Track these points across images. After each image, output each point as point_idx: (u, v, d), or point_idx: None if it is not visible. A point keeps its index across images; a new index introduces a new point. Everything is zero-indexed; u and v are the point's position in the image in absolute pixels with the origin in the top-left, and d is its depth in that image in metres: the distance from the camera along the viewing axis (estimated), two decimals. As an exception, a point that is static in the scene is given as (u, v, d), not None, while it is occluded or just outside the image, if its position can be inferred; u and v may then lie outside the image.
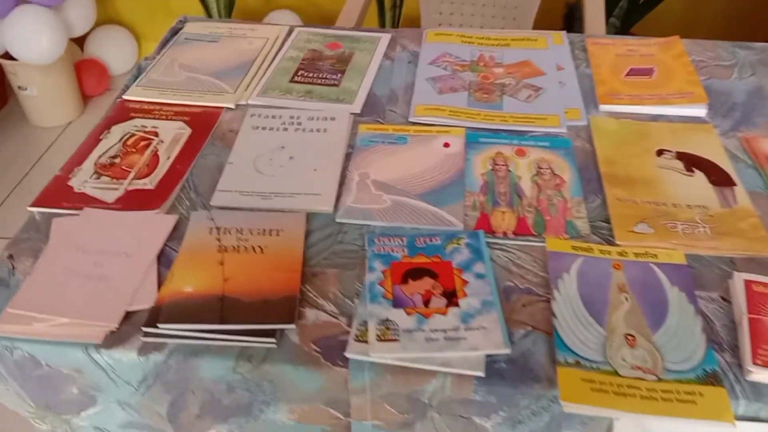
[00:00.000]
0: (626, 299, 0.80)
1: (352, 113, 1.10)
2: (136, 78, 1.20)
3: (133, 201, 0.93)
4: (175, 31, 1.34)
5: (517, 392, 0.72)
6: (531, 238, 0.88)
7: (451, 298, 0.79)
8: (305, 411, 0.78)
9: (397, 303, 0.79)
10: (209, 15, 2.60)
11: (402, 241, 0.87)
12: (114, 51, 2.80)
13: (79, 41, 2.77)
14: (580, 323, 0.77)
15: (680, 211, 0.91)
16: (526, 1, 1.91)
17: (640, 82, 1.16)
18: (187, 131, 1.07)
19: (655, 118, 1.10)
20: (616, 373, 0.72)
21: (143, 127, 1.07)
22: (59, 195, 0.94)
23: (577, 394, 0.70)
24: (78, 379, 0.79)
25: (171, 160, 1.00)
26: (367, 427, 0.78)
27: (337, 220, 0.91)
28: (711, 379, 0.72)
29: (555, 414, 0.73)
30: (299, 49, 1.27)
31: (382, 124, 1.09)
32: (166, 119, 1.09)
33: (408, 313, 0.78)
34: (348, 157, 1.02)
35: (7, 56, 2.43)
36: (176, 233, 0.89)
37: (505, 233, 0.89)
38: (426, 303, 0.79)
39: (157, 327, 0.76)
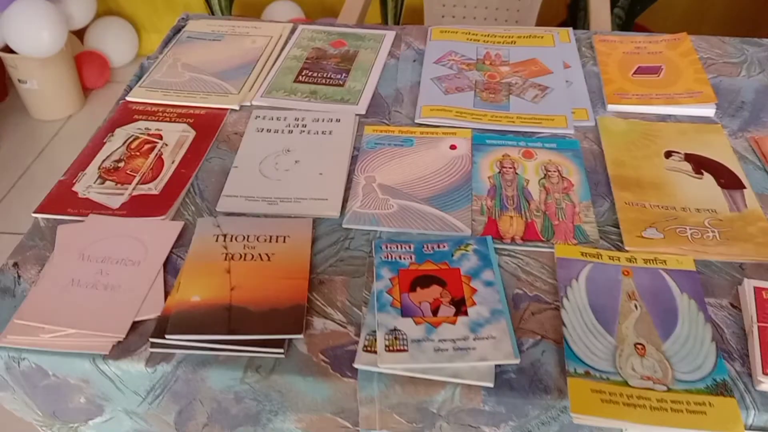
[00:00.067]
0: (636, 307, 0.79)
1: (357, 114, 1.09)
2: (139, 78, 1.19)
3: (139, 207, 0.92)
4: (177, 29, 1.32)
5: (527, 402, 0.72)
6: (539, 244, 0.87)
7: (460, 306, 0.79)
8: (313, 420, 0.78)
9: (405, 312, 0.78)
10: (210, 5, 2.58)
11: (409, 247, 0.87)
12: (114, 43, 2.78)
13: (79, 33, 2.75)
14: (589, 332, 0.76)
15: (689, 215, 0.91)
16: (530, -7, 1.89)
17: (648, 81, 1.15)
18: (192, 134, 1.06)
19: (663, 118, 1.09)
20: (626, 384, 0.72)
21: (147, 130, 1.06)
22: (64, 201, 0.94)
23: (588, 405, 0.70)
24: (85, 389, 0.79)
25: (176, 164, 0.99)
26: (375, 437, 0.78)
27: (344, 225, 0.90)
28: (721, 389, 0.71)
29: (564, 424, 0.73)
30: (303, 47, 1.26)
31: (387, 125, 1.08)
32: (170, 121, 1.08)
33: (416, 323, 0.77)
34: (354, 159, 1.01)
35: (7, 49, 2.41)
36: (182, 240, 0.89)
37: (513, 239, 0.88)
38: (434, 311, 0.79)
39: (165, 338, 0.75)
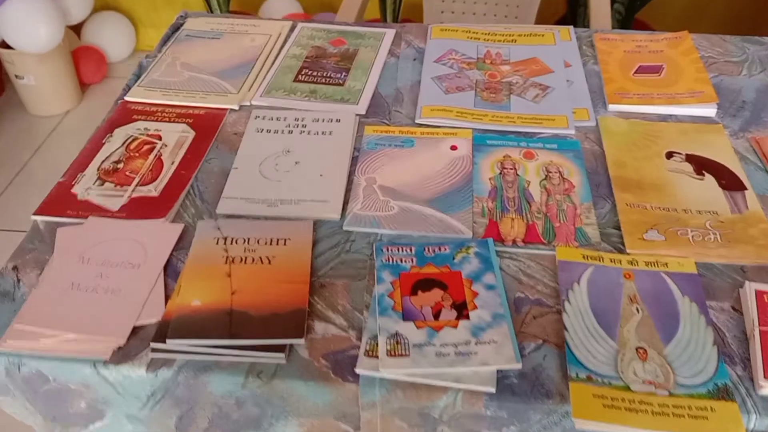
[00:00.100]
0: (637, 310, 0.79)
1: (357, 114, 1.09)
2: (137, 77, 1.19)
3: (138, 209, 0.92)
4: (175, 28, 1.32)
5: (529, 407, 0.72)
6: (541, 246, 0.87)
7: (462, 310, 0.79)
8: (315, 425, 0.78)
9: (406, 316, 0.78)
10: (208, 0, 2.56)
11: (410, 250, 0.86)
12: (112, 38, 2.77)
13: (76, 28, 2.74)
14: (591, 336, 0.76)
15: (690, 217, 0.90)
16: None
17: (649, 81, 1.14)
18: (191, 134, 1.05)
19: (665, 118, 1.09)
20: (627, 388, 0.72)
21: (146, 130, 1.06)
22: (63, 203, 0.93)
23: (590, 410, 0.70)
24: (86, 394, 0.78)
25: (175, 166, 0.99)
26: (377, 441, 0.78)
27: (345, 228, 0.90)
28: (722, 393, 0.71)
29: (566, 428, 0.73)
30: (302, 46, 1.25)
31: (388, 125, 1.07)
32: (170, 121, 1.08)
33: (418, 327, 0.77)
34: (354, 160, 1.01)
35: (4, 45, 2.40)
36: (182, 242, 0.88)
37: (514, 241, 0.88)
38: (436, 315, 0.78)
39: (166, 343, 0.75)
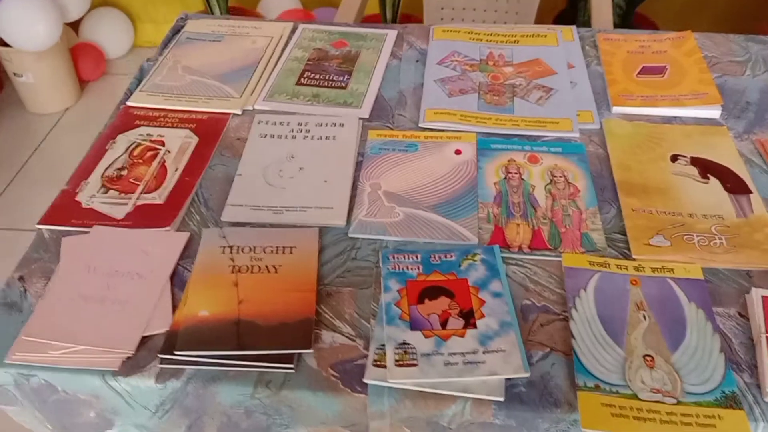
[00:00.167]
0: (644, 317, 0.79)
1: (360, 118, 1.08)
2: (139, 81, 1.18)
3: (143, 217, 0.92)
4: (176, 30, 1.31)
5: (537, 416, 0.72)
6: (547, 253, 0.87)
7: (469, 318, 0.79)
8: (324, 433, 0.78)
9: (414, 325, 0.78)
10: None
11: (416, 257, 0.86)
12: (110, 34, 2.76)
13: (74, 25, 2.72)
14: (599, 344, 0.77)
15: (696, 221, 0.91)
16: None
17: (653, 82, 1.14)
18: (194, 140, 1.05)
19: (669, 120, 1.09)
20: (635, 397, 0.72)
21: (149, 136, 1.05)
22: (67, 211, 0.93)
23: (598, 419, 0.70)
24: (95, 404, 0.79)
25: (179, 172, 0.99)
26: (385, 449, 0.78)
27: (350, 235, 0.90)
28: (730, 401, 0.72)
29: (574, 437, 0.73)
30: (304, 48, 1.25)
31: (391, 129, 1.07)
32: (172, 127, 1.07)
33: (425, 336, 0.77)
34: (358, 166, 1.01)
35: (2, 43, 2.38)
36: (188, 251, 0.88)
37: (520, 247, 0.88)
38: (443, 324, 0.79)
39: (174, 354, 0.75)
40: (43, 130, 2.54)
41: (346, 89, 1.14)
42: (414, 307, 0.80)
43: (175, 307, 0.81)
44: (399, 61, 1.22)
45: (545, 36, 1.26)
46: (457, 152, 1.02)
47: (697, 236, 0.88)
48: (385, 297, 0.82)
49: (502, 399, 0.72)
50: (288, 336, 0.77)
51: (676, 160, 1.00)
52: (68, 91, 2.61)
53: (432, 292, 0.82)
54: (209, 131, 1.06)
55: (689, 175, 0.98)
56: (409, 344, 0.76)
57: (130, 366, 0.76)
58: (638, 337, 0.77)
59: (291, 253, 0.86)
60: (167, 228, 0.90)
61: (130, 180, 0.98)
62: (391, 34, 1.28)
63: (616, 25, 2.06)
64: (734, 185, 0.96)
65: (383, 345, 0.77)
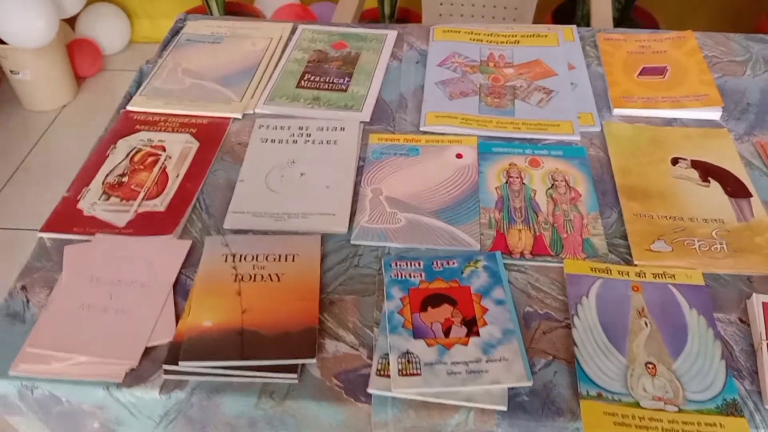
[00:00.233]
0: (646, 324, 0.80)
1: (361, 122, 1.08)
2: (138, 84, 1.18)
3: (145, 225, 0.92)
4: (175, 31, 1.30)
5: (540, 425, 0.73)
6: (549, 259, 0.88)
7: (472, 326, 0.79)
8: (328, 443, 0.79)
9: (417, 333, 0.79)
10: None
11: (419, 265, 0.86)
12: (106, 30, 2.74)
13: (70, 21, 2.70)
14: (601, 352, 0.77)
15: (697, 226, 0.91)
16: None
17: (654, 83, 1.14)
18: (195, 145, 1.05)
19: (669, 121, 1.09)
20: (637, 405, 0.72)
21: (149, 141, 1.05)
22: (69, 219, 0.93)
23: (601, 428, 0.71)
24: (99, 415, 0.79)
25: (180, 178, 0.99)
26: (389, 457, 0.79)
27: (353, 241, 0.90)
28: (731, 409, 0.72)
29: (577, 445, 0.73)
30: (304, 49, 1.24)
31: (392, 133, 1.07)
32: (173, 131, 1.07)
33: (429, 345, 0.77)
34: (359, 170, 1.01)
35: (-2, 40, 2.37)
36: (190, 259, 0.88)
37: (522, 253, 0.88)
38: (446, 332, 0.79)
39: (178, 365, 0.75)
40: (41, 127, 2.54)
41: (346, 92, 1.14)
42: (417, 316, 0.81)
43: (178, 317, 0.81)
44: (399, 62, 1.22)
45: (545, 36, 1.25)
46: (459, 156, 1.02)
47: (698, 241, 0.89)
48: (388, 305, 0.82)
49: (504, 408, 0.73)
50: (291, 346, 0.77)
51: (677, 163, 1.01)
52: (65, 87, 2.60)
53: (435, 300, 0.82)
54: (210, 136, 1.06)
55: (690, 179, 0.98)
56: (412, 353, 0.77)
57: (134, 377, 0.76)
58: (640, 345, 0.78)
59: (293, 260, 0.87)
60: (169, 236, 0.90)
61: (132, 187, 0.97)
62: (391, 34, 1.28)
63: (615, 19, 2.05)
64: (735, 189, 0.96)
65: (387, 354, 0.77)
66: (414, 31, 1.30)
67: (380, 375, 0.75)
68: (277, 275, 0.85)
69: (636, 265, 0.86)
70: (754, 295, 0.82)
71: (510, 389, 0.74)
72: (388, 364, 0.76)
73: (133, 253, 0.88)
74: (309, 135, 1.06)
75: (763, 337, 0.77)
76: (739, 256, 0.87)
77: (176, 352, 0.76)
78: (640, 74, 1.16)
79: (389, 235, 0.90)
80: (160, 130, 1.07)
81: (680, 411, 0.72)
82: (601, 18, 1.76)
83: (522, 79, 1.16)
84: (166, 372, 0.76)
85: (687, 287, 0.83)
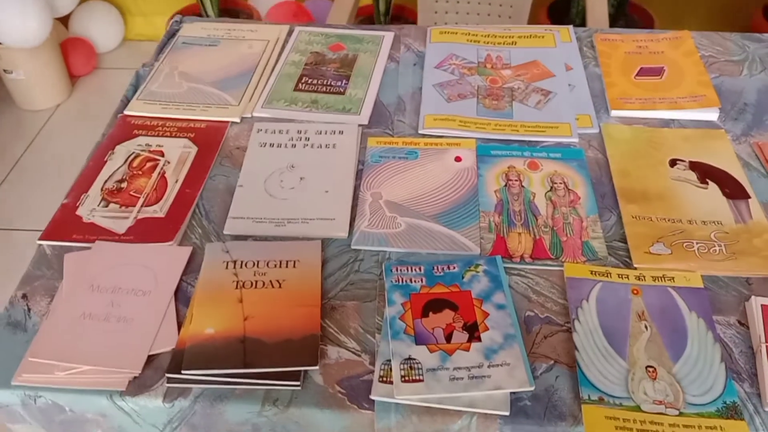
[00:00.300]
0: (646, 327, 0.80)
1: (360, 125, 1.08)
2: (135, 88, 1.17)
3: (145, 231, 0.92)
4: (171, 34, 1.30)
5: (542, 430, 0.73)
6: (549, 262, 0.88)
7: (473, 331, 0.80)
8: (331, 449, 0.79)
9: (419, 339, 0.79)
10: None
11: (420, 270, 0.87)
12: (100, 28, 2.73)
13: (63, 19, 2.69)
14: (602, 356, 0.77)
15: (695, 228, 0.91)
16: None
17: (651, 84, 1.14)
18: (194, 149, 1.04)
19: (667, 123, 1.09)
20: (638, 409, 0.73)
21: (148, 146, 1.05)
22: (68, 226, 0.93)
23: (602, 433, 0.71)
24: (102, 423, 0.79)
25: (179, 184, 0.99)
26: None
27: (353, 246, 0.90)
28: (731, 412, 0.73)
29: (579, 449, 0.74)
30: (301, 52, 1.24)
31: (391, 136, 1.07)
32: (171, 136, 1.07)
33: (431, 351, 0.78)
34: (359, 174, 1.01)
35: (-9, 40, 2.36)
36: (191, 266, 0.88)
37: (522, 257, 0.89)
38: (448, 337, 0.79)
39: (181, 373, 0.76)
40: (35, 126, 2.52)
41: (344, 95, 1.14)
42: (418, 321, 0.81)
43: (179, 324, 0.81)
44: (397, 64, 1.22)
45: (543, 37, 1.25)
46: (457, 159, 1.02)
47: (697, 243, 0.89)
48: (389, 311, 0.82)
49: (507, 413, 0.73)
50: (294, 353, 0.77)
51: (675, 164, 1.01)
52: (59, 86, 2.59)
53: (436, 305, 0.83)
54: (208, 140, 1.06)
55: (688, 181, 0.98)
56: (414, 359, 0.77)
57: (137, 385, 0.76)
58: (640, 348, 0.78)
59: (294, 266, 0.87)
60: (170, 243, 0.90)
61: (131, 193, 0.97)
62: (388, 36, 1.28)
63: (611, 16, 2.05)
64: (733, 190, 0.96)
65: (389, 360, 0.77)
66: (411, 33, 1.30)
67: (383, 381, 0.76)
68: (278, 281, 0.85)
69: (635, 268, 0.87)
70: (752, 297, 0.82)
71: (512, 394, 0.75)
72: (391, 370, 0.76)
73: (134, 260, 0.88)
74: (308, 139, 1.05)
75: (762, 339, 0.78)
76: (738, 258, 0.87)
77: (179, 360, 0.77)
78: (637, 75, 1.16)
79: (389, 240, 0.91)
80: (158, 135, 1.07)
81: (681, 414, 0.72)
82: (596, 14, 1.76)
83: (520, 81, 1.16)
84: (169, 380, 0.76)
85: (686, 290, 0.84)
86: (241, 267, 0.86)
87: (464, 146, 1.04)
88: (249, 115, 1.11)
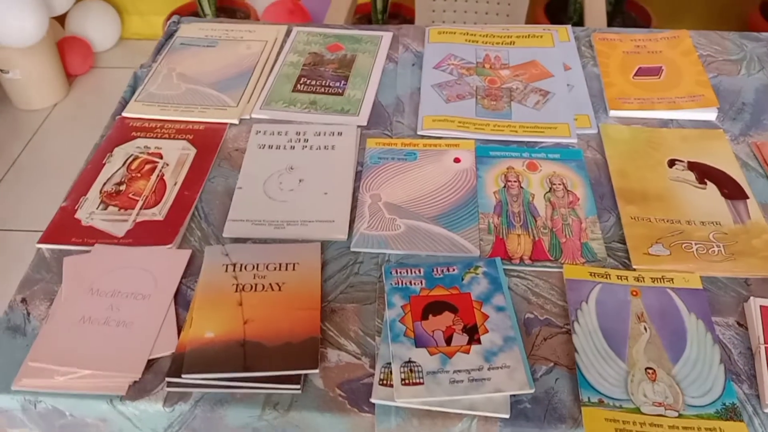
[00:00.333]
0: (645, 329, 0.80)
1: (358, 126, 1.08)
2: (133, 90, 1.17)
3: (144, 234, 0.91)
4: (169, 35, 1.29)
5: (542, 432, 0.73)
6: (548, 264, 0.88)
7: (473, 334, 0.80)
8: (331, 452, 0.79)
9: (419, 342, 0.79)
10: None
11: (419, 272, 0.87)
12: (97, 27, 2.72)
13: (60, 18, 2.68)
14: (601, 358, 0.78)
15: (694, 229, 0.91)
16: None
17: (650, 84, 1.14)
18: (192, 151, 1.04)
19: (665, 123, 1.09)
20: (638, 411, 0.73)
21: (146, 149, 1.05)
22: (67, 230, 0.92)
23: (602, 435, 0.71)
24: (103, 428, 0.79)
25: (178, 186, 0.98)
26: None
27: (352, 249, 0.90)
28: (730, 413, 0.73)
29: (579, 451, 0.74)
30: (299, 52, 1.24)
31: (390, 138, 1.07)
32: (170, 138, 1.07)
33: (431, 353, 0.78)
34: (358, 176, 1.01)
35: (-13, 39, 2.35)
36: (190, 269, 0.88)
37: (521, 259, 0.89)
38: (448, 340, 0.79)
39: (181, 377, 0.76)
40: (33, 126, 2.52)
41: (343, 95, 1.14)
42: (418, 324, 0.81)
43: (179, 328, 0.81)
44: (395, 64, 1.22)
45: (541, 36, 1.25)
46: (456, 160, 1.02)
47: (696, 244, 0.89)
48: (389, 313, 0.82)
49: (507, 416, 0.73)
50: (294, 356, 0.77)
51: (674, 165, 1.01)
52: (56, 86, 2.58)
53: (436, 307, 0.83)
54: (207, 142, 1.06)
55: (687, 181, 0.99)
56: (414, 362, 0.77)
57: (137, 390, 0.76)
58: (640, 350, 0.78)
59: (294, 269, 0.87)
60: (169, 246, 0.90)
61: (129, 195, 0.97)
62: (386, 36, 1.27)
63: (608, 13, 2.06)
64: (731, 191, 0.97)
65: (389, 363, 0.77)
66: (409, 33, 1.30)
67: (383, 384, 0.76)
68: (278, 284, 0.85)
69: (635, 270, 0.87)
70: (751, 298, 0.83)
71: (512, 396, 0.75)
72: (391, 373, 0.76)
73: (133, 263, 0.88)
74: (306, 140, 1.05)
75: (761, 340, 0.78)
76: (736, 259, 0.88)
77: (179, 364, 0.77)
78: (635, 75, 1.16)
79: (389, 242, 0.91)
80: (156, 137, 1.07)
81: (680, 416, 0.73)
82: (594, 12, 1.76)
83: (518, 81, 1.16)
84: (170, 384, 0.76)
85: (685, 291, 0.84)
86: (240, 270, 0.86)
87: (463, 147, 1.04)
88: (247, 117, 1.11)
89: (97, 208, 0.96)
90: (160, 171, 1.01)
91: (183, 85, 1.16)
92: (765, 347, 0.78)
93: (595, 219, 0.93)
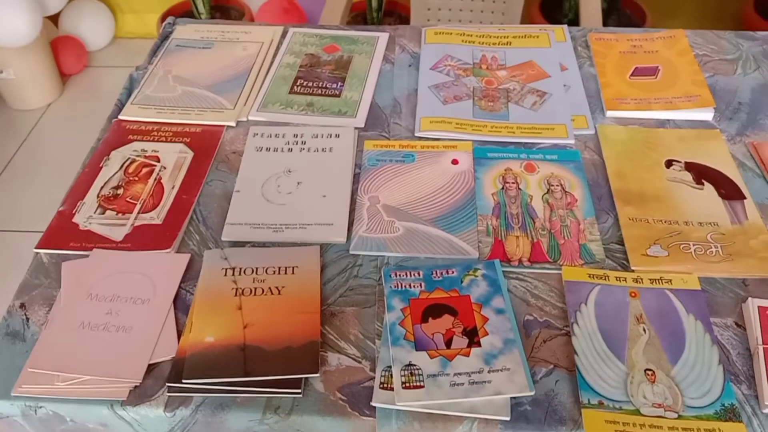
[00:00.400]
0: (644, 330, 0.81)
1: (356, 128, 1.08)
2: (129, 92, 1.17)
3: (142, 238, 0.91)
4: (164, 36, 1.29)
5: (542, 434, 0.74)
6: (547, 266, 0.88)
7: (473, 336, 0.80)
8: (332, 455, 0.79)
9: (419, 345, 0.79)
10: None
11: (419, 274, 0.87)
12: (90, 26, 2.71)
13: (53, 18, 2.67)
14: (601, 360, 0.78)
15: (692, 230, 0.92)
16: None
17: (646, 84, 1.14)
18: (190, 154, 1.04)
19: (662, 123, 1.09)
20: (638, 412, 0.73)
21: (143, 152, 1.04)
22: (65, 234, 0.92)
23: (602, 437, 0.72)
24: (103, 432, 0.79)
25: (176, 190, 0.98)
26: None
27: (351, 251, 0.90)
28: (729, 414, 0.73)
29: (579, 453, 0.75)
30: (296, 53, 1.23)
31: (387, 139, 1.07)
32: (167, 141, 1.06)
33: (431, 356, 0.78)
34: (356, 178, 1.01)
35: (-20, 39, 2.33)
36: (189, 273, 0.88)
37: (520, 260, 0.89)
38: (448, 343, 0.79)
39: (182, 382, 0.76)
40: (27, 126, 2.51)
41: (340, 97, 1.14)
42: (418, 327, 0.81)
43: (179, 333, 0.81)
44: (392, 65, 1.22)
45: (537, 37, 1.25)
46: (454, 162, 1.02)
47: (694, 245, 0.90)
48: (389, 317, 0.82)
49: (507, 418, 0.74)
50: (294, 360, 0.77)
51: (671, 165, 1.01)
52: (50, 85, 2.57)
53: (435, 310, 0.83)
54: (204, 145, 1.06)
55: (684, 181, 0.99)
56: (415, 365, 0.77)
57: (138, 395, 0.76)
58: (639, 351, 0.79)
59: (293, 273, 0.87)
60: (168, 250, 0.90)
61: (127, 199, 0.97)
62: (383, 37, 1.27)
63: (604, 10, 2.05)
64: (728, 191, 0.97)
65: (389, 366, 0.77)
66: (406, 33, 1.30)
67: (383, 388, 0.76)
68: (277, 288, 0.85)
69: (633, 271, 0.87)
70: (749, 299, 0.83)
71: (512, 399, 0.75)
72: (391, 376, 0.76)
73: (132, 268, 0.88)
74: (304, 143, 1.05)
75: (759, 341, 0.79)
76: (734, 259, 0.88)
77: (179, 369, 0.77)
78: (632, 75, 1.17)
79: (388, 245, 0.91)
80: (153, 140, 1.07)
81: (680, 417, 0.73)
82: (589, 10, 1.76)
83: (515, 82, 1.16)
84: (170, 389, 0.76)
85: (684, 292, 0.85)
86: (239, 274, 0.86)
87: (461, 149, 1.04)
88: (244, 119, 1.11)
89: (94, 213, 0.95)
90: (158, 174, 1.01)
91: (179, 87, 1.16)
92: (763, 348, 0.78)
93: (593, 220, 0.94)
